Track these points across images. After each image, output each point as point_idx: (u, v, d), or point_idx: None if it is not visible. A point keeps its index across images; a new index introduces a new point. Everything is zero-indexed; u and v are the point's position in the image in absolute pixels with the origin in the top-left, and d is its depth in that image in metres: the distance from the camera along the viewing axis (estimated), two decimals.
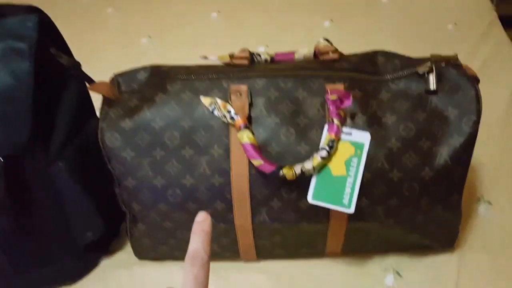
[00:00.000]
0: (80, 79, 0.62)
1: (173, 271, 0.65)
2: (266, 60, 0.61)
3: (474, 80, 0.55)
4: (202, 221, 0.39)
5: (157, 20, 1.11)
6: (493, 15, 1.02)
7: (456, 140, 0.54)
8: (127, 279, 0.65)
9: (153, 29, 1.08)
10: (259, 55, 0.61)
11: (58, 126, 0.57)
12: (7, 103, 0.52)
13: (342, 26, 1.04)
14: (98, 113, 0.64)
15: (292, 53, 0.61)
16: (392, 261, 0.64)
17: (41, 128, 0.55)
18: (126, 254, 0.67)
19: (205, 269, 0.36)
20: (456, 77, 0.55)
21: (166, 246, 0.62)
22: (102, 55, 1.02)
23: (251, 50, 0.60)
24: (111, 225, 0.66)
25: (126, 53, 1.03)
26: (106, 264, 0.67)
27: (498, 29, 0.99)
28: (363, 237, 0.60)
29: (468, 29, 0.99)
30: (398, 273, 0.63)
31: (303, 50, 0.61)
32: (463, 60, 0.57)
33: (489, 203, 0.70)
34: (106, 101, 0.57)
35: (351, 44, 0.83)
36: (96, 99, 0.65)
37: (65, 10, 1.16)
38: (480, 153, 0.74)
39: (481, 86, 0.55)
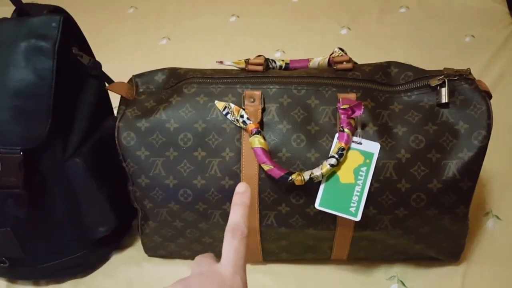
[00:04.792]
0: (99, 79, 0.64)
1: (181, 269, 0.66)
2: (280, 67, 0.62)
3: (486, 95, 0.55)
4: (242, 192, 0.38)
5: (177, 22, 1.13)
6: (511, 29, 1.01)
7: (465, 154, 0.54)
8: (136, 275, 0.67)
9: (173, 31, 1.10)
10: (274, 62, 0.62)
11: (77, 123, 0.59)
12: (29, 99, 0.54)
13: (359, 34, 1.04)
14: (115, 112, 0.67)
15: (307, 60, 0.62)
16: (398, 270, 0.64)
17: (60, 125, 0.57)
18: (136, 250, 0.69)
19: (245, 243, 0.36)
20: (468, 91, 0.55)
21: (175, 245, 0.64)
22: (122, 56, 1.04)
23: (267, 55, 0.62)
24: (123, 221, 0.68)
25: (145, 54, 1.05)
26: (116, 259, 0.69)
27: None
28: (369, 245, 0.61)
29: (486, 42, 0.99)
30: (402, 283, 0.63)
31: (318, 58, 0.62)
32: (479, 72, 0.57)
33: (497, 217, 0.70)
34: (124, 101, 0.59)
35: (367, 52, 0.83)
36: (114, 98, 0.67)
37: (85, 10, 1.18)
38: (490, 167, 0.74)
39: (495, 100, 0.55)
